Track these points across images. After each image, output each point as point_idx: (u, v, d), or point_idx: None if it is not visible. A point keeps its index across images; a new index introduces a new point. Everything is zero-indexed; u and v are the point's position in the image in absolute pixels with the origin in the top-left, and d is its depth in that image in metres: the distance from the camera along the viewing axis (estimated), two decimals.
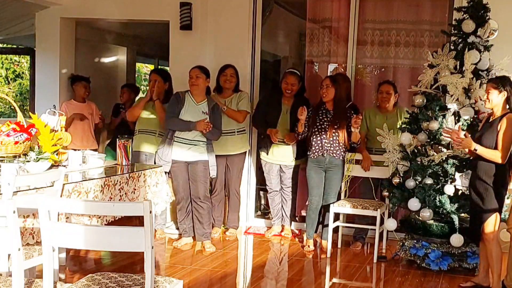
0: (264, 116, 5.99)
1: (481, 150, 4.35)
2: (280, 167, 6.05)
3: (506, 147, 4.27)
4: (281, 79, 6.04)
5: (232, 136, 5.99)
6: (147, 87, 6.01)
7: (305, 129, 5.56)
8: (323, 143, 5.50)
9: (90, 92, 6.80)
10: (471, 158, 4.71)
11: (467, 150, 4.57)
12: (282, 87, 5.93)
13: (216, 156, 5.90)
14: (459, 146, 4.56)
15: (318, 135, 5.50)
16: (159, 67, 11.17)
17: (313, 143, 5.53)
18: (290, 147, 5.92)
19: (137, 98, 7.09)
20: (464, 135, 4.49)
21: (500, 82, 4.38)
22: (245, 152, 6.22)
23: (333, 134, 5.48)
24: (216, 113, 5.51)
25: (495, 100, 4.38)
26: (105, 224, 4.17)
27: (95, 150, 6.58)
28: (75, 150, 5.69)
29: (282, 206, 6.15)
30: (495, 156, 4.30)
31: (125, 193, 4.49)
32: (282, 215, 6.16)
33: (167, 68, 6.97)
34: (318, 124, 5.51)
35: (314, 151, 5.53)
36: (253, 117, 6.10)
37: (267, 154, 6.02)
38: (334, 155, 5.51)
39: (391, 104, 5.77)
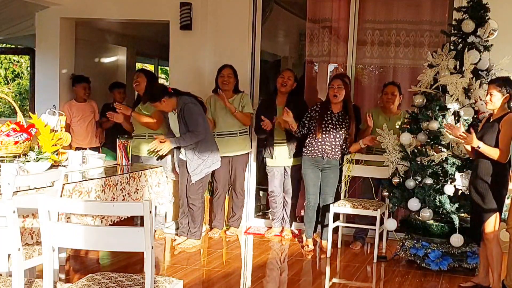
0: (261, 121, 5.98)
1: (484, 148, 4.34)
2: (285, 169, 6.05)
3: (507, 146, 4.27)
4: (277, 79, 6.04)
5: (235, 137, 6.01)
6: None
7: (300, 128, 5.55)
8: (325, 146, 5.48)
9: (90, 92, 6.84)
10: (471, 158, 4.71)
11: (468, 147, 4.56)
12: (277, 83, 5.95)
13: (220, 157, 5.92)
14: (464, 142, 4.54)
15: (321, 137, 5.47)
16: (159, 67, 11.19)
17: (314, 143, 5.52)
18: (287, 147, 5.92)
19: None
20: (467, 131, 4.48)
21: (504, 84, 4.37)
22: (248, 153, 6.22)
23: (337, 138, 5.46)
24: (182, 116, 5.33)
25: (497, 102, 4.38)
26: (109, 225, 4.17)
27: (97, 147, 6.65)
28: (79, 148, 5.73)
29: (284, 208, 6.14)
30: (497, 154, 4.30)
31: (128, 193, 4.49)
32: (283, 216, 6.16)
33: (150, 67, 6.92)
34: (323, 126, 5.48)
35: (314, 152, 5.52)
36: (255, 125, 6.10)
37: (272, 158, 6.00)
38: (332, 158, 5.51)
39: (395, 106, 5.77)
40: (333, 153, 5.49)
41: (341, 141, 5.48)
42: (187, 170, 5.46)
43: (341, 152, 5.52)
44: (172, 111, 5.42)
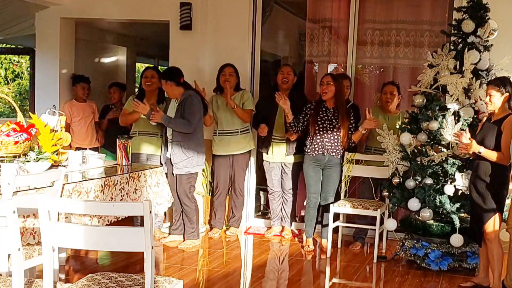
0: (262, 116, 5.98)
1: (486, 153, 4.34)
2: (282, 166, 6.05)
3: (509, 149, 4.26)
4: (277, 75, 6.03)
5: (236, 136, 6.00)
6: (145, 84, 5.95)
7: (297, 122, 5.52)
8: (324, 142, 5.48)
9: (90, 92, 6.85)
10: (471, 158, 4.71)
11: (470, 151, 4.56)
12: (278, 80, 5.95)
13: (220, 156, 5.92)
14: (465, 151, 4.55)
15: (319, 134, 5.49)
16: (159, 67, 11.17)
17: (314, 141, 5.51)
18: (285, 144, 5.92)
19: (129, 98, 6.89)
20: (469, 138, 4.47)
21: (502, 84, 4.37)
22: (250, 152, 6.20)
23: (335, 133, 5.47)
24: (183, 105, 5.39)
25: (497, 103, 4.37)
26: (106, 225, 4.17)
27: (97, 148, 6.66)
28: (79, 148, 5.71)
29: (282, 206, 6.14)
30: (499, 158, 4.29)
31: (126, 193, 4.49)
32: (282, 215, 6.16)
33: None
34: (319, 122, 5.50)
35: (314, 150, 5.51)
36: (253, 119, 6.10)
37: (267, 153, 6.02)
38: (334, 154, 5.50)
39: (394, 105, 5.78)
40: (333, 148, 5.48)
41: (340, 136, 5.48)
42: (171, 164, 5.45)
43: (342, 148, 5.51)
44: (175, 99, 5.47)
